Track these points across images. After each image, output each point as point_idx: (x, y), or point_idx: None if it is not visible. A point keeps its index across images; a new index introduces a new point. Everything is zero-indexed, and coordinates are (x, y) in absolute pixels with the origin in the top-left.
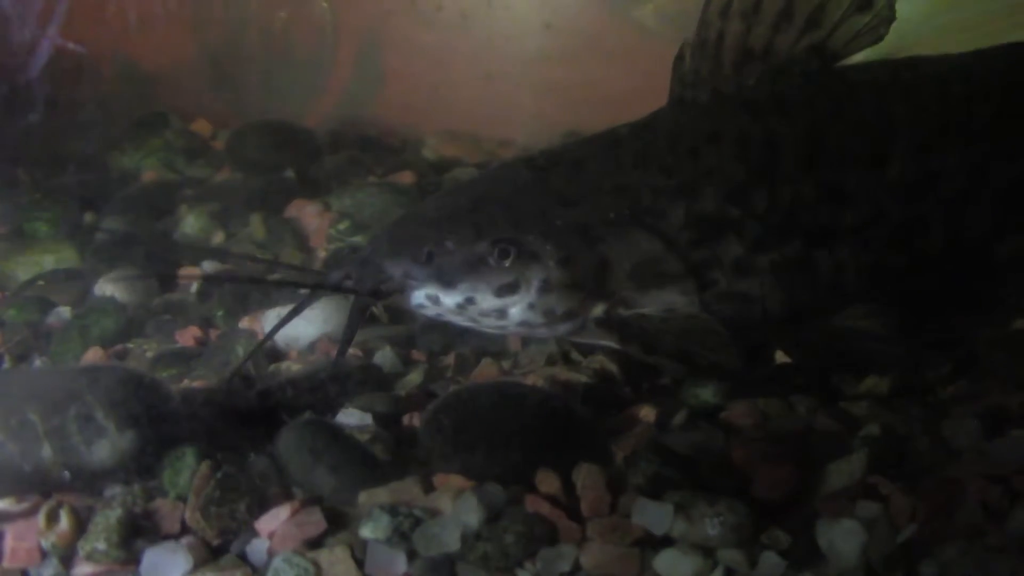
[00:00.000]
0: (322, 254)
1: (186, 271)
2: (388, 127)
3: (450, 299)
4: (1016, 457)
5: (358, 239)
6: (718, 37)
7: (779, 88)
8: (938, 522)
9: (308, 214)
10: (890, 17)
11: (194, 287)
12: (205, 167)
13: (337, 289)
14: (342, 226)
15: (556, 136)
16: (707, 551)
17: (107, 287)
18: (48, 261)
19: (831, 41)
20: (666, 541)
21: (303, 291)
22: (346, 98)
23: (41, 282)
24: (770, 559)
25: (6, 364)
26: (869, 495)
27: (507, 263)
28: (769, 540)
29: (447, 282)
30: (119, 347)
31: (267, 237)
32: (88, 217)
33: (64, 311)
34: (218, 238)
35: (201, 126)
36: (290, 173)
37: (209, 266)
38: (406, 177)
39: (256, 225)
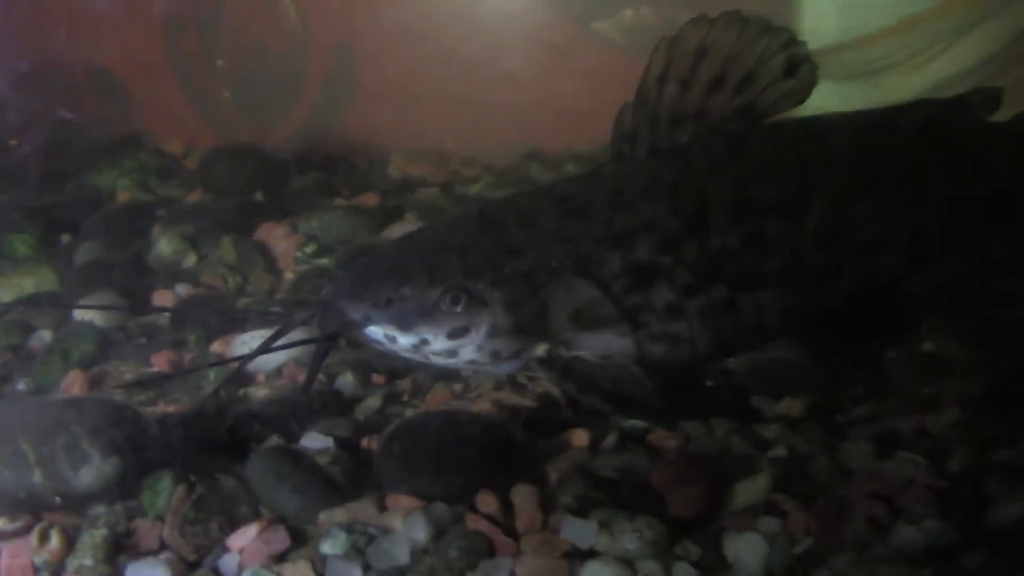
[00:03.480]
0: (289, 276)
1: (160, 293)
2: (355, 143)
3: (406, 340)
4: (901, 477)
5: (324, 261)
6: (656, 99)
7: (710, 145)
8: (830, 535)
9: (276, 237)
10: (812, 82)
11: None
12: (178, 187)
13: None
14: (308, 249)
15: (517, 156)
16: (627, 563)
17: (86, 311)
18: (28, 284)
19: (759, 103)
20: (591, 554)
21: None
22: (315, 114)
23: (22, 306)
24: (683, 569)
25: None
26: (771, 511)
27: (458, 308)
28: (682, 552)
29: (403, 325)
30: (97, 369)
31: (237, 260)
32: (65, 238)
33: (45, 334)
34: (190, 260)
35: (173, 146)
36: (259, 196)
37: (182, 288)
38: (371, 199)
39: (227, 247)
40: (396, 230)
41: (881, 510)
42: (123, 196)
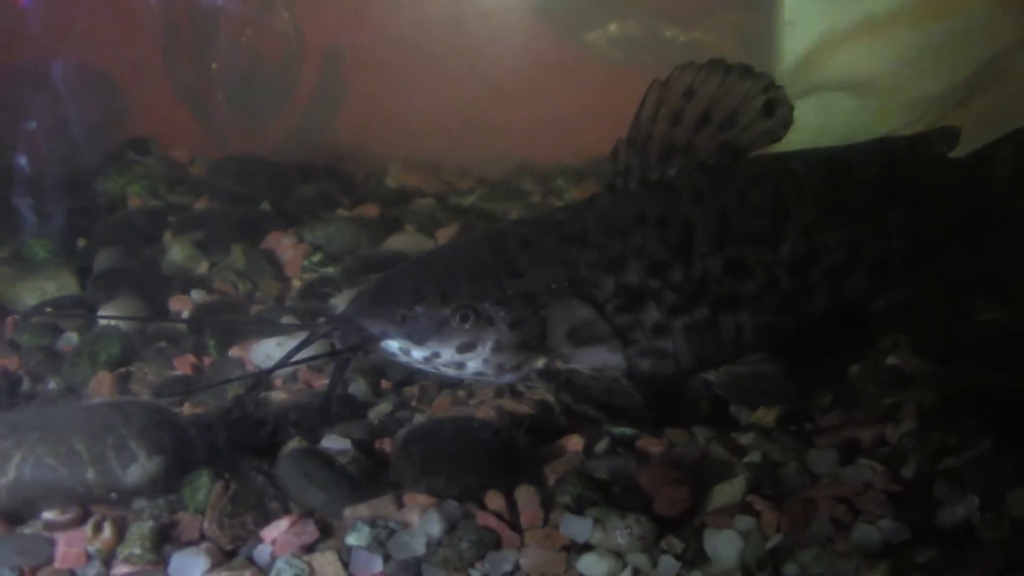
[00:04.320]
0: (296, 283)
1: (176, 299)
2: (347, 149)
3: (419, 353)
4: (860, 481)
5: (329, 270)
6: (647, 136)
7: (695, 178)
8: (798, 532)
9: (283, 245)
10: (789, 121)
11: (184, 315)
12: (185, 194)
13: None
14: (315, 258)
15: (509, 167)
16: (618, 555)
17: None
18: (50, 287)
19: (740, 139)
20: (587, 547)
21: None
22: (307, 119)
23: (48, 309)
24: (667, 561)
25: (25, 384)
26: (746, 511)
27: (467, 326)
28: (667, 546)
29: (417, 340)
30: (122, 370)
31: (247, 267)
32: (81, 242)
33: (72, 336)
34: (202, 267)
35: (180, 153)
36: (266, 205)
37: (197, 294)
38: (371, 209)
39: (237, 255)
40: (396, 241)
41: (842, 510)
42: (134, 202)
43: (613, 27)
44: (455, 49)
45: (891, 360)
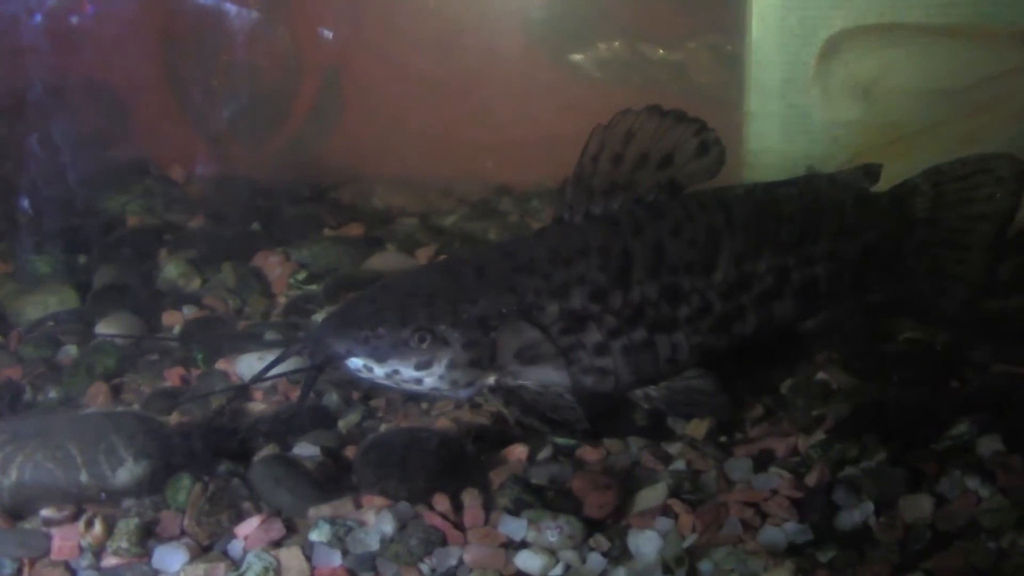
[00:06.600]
0: (282, 300)
1: (168, 314)
2: (338, 166)
3: (380, 370)
4: (768, 488)
5: (313, 288)
6: (592, 174)
7: (635, 212)
8: (711, 533)
9: (271, 264)
10: (722, 160)
11: (176, 330)
12: (180, 213)
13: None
14: (300, 276)
15: (490, 187)
16: (551, 552)
17: (106, 329)
18: (52, 302)
19: (677, 177)
20: (523, 545)
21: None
22: (302, 136)
23: (51, 323)
24: (595, 558)
25: (27, 394)
26: (666, 513)
27: (424, 346)
28: (594, 544)
29: (379, 358)
30: (117, 381)
31: (236, 284)
32: (81, 259)
33: (71, 348)
34: (195, 283)
35: (176, 172)
36: (256, 225)
37: (188, 310)
38: (355, 229)
39: (227, 272)
40: (377, 260)
41: (750, 513)
42: (132, 220)
43: (601, 48)
44: (447, 70)
45: (821, 375)
